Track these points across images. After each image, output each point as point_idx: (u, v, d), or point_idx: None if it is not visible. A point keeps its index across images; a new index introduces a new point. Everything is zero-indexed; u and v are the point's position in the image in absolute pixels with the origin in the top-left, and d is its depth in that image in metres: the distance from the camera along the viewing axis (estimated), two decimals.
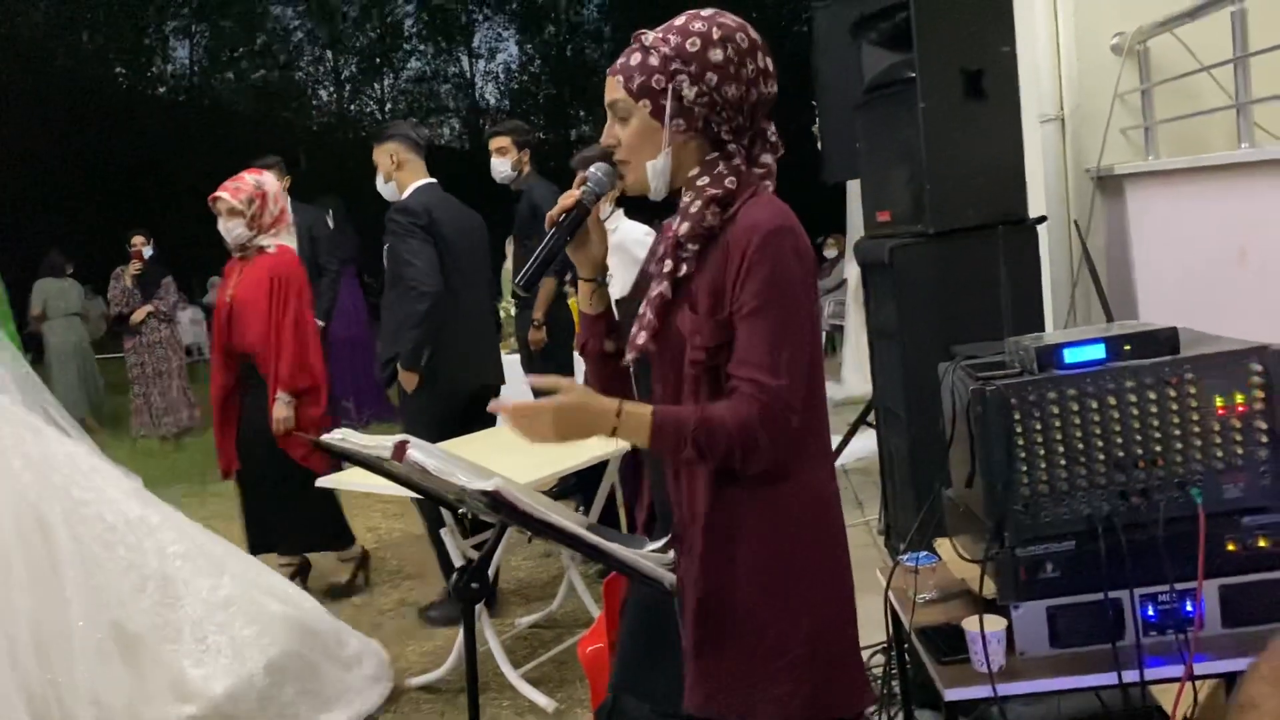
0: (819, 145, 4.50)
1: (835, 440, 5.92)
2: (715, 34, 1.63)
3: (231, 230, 4.15)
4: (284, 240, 4.26)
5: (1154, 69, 3.73)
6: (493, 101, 31.74)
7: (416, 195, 4.18)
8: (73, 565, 2.92)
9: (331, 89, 31.81)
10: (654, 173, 1.66)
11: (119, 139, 24.79)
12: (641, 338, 1.64)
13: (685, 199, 1.65)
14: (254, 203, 4.14)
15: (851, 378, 7.95)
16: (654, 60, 1.63)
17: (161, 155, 25.00)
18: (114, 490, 3.26)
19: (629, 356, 1.67)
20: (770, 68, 1.69)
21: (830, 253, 11.83)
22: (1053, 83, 4.02)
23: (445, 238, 4.12)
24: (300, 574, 4.59)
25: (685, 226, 1.62)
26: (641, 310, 1.67)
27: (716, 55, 1.62)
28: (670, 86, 1.62)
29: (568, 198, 1.68)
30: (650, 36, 1.65)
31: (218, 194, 4.15)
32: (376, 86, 32.20)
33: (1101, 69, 3.87)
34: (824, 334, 10.95)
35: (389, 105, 31.69)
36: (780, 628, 1.60)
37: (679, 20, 1.66)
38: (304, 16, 30.49)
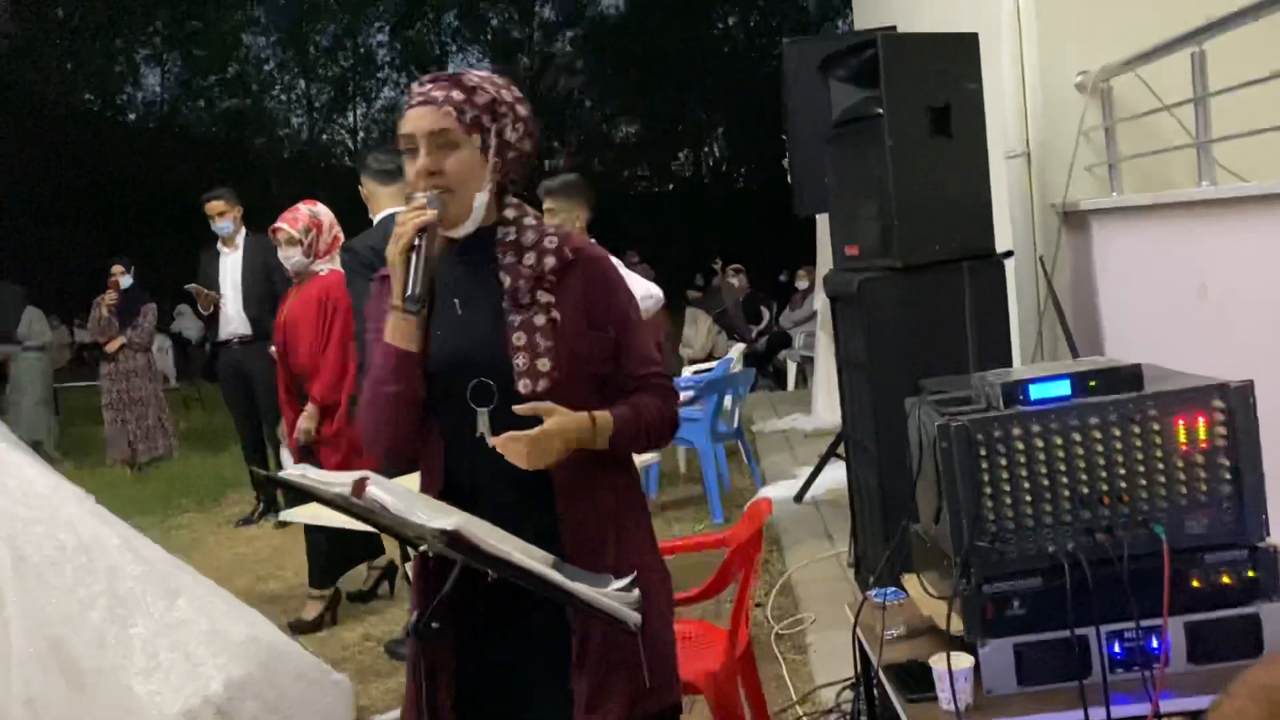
0: (789, 179, 4.53)
1: (805, 471, 5.94)
2: (518, 93, 1.82)
3: (290, 258, 4.34)
4: (335, 265, 4.39)
5: (1117, 107, 3.79)
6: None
7: (371, 231, 4.16)
8: (12, 584, 2.89)
9: (303, 117, 31.76)
10: (478, 205, 1.76)
11: (89, 166, 24.60)
12: (546, 364, 1.71)
13: (529, 236, 1.78)
14: (311, 232, 4.32)
15: (822, 409, 7.97)
16: (481, 99, 1.74)
17: (132, 182, 24.82)
18: (72, 508, 3.22)
19: (538, 386, 1.70)
20: None
21: (801, 284, 11.89)
22: (1018, 119, 4.07)
23: None
24: (331, 607, 4.65)
25: (551, 260, 1.76)
26: (522, 341, 1.71)
27: (523, 111, 1.80)
28: (495, 127, 1.75)
29: (421, 213, 1.70)
30: (474, 77, 1.76)
31: (277, 225, 4.34)
32: (349, 115, 32.21)
33: (1066, 106, 3.93)
34: (795, 365, 11.01)
35: (361, 134, 31.68)
36: (655, 618, 1.76)
37: (480, 72, 1.81)
38: (276, 45, 30.48)
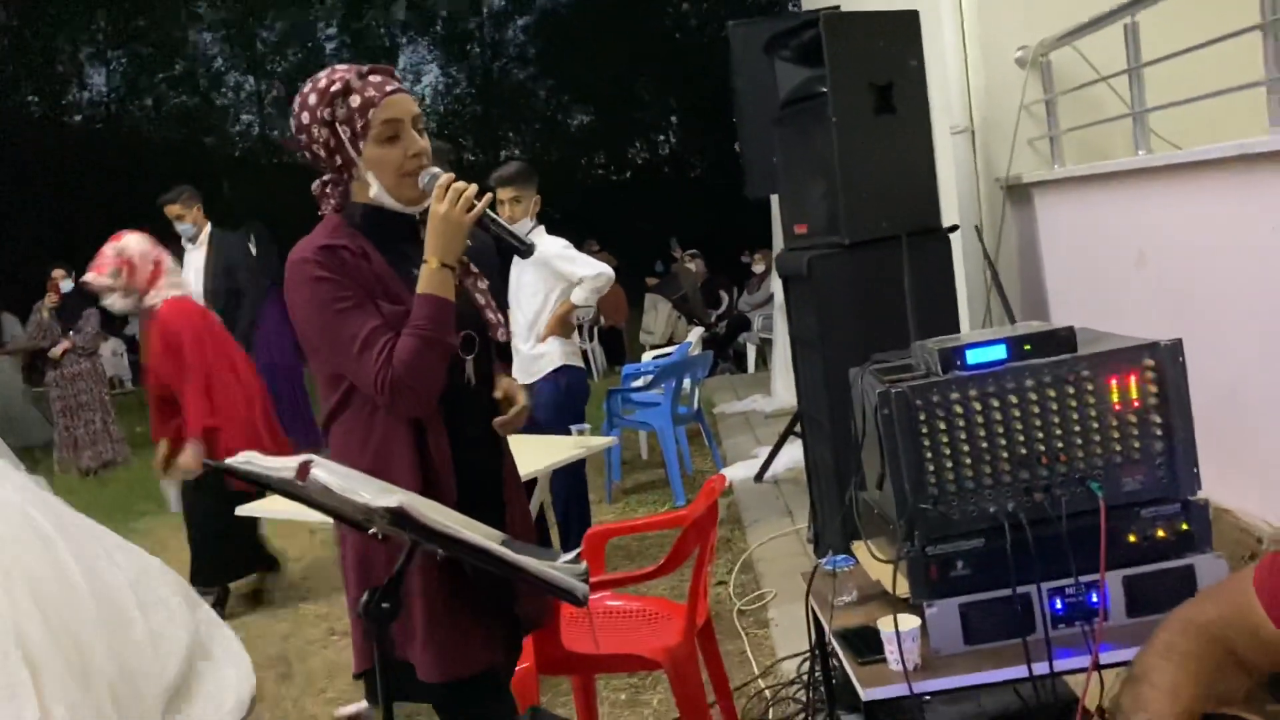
0: (742, 161, 4.56)
1: (766, 451, 5.99)
2: None
3: (115, 305, 4.19)
4: (171, 291, 4.25)
5: (1057, 80, 3.85)
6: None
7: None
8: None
9: (254, 115, 31.33)
10: None
11: (34, 169, 24.13)
12: (500, 315, 1.98)
13: None
14: (121, 271, 4.13)
15: (781, 390, 8.03)
16: None
17: (79, 184, 24.38)
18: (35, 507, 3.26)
19: (503, 334, 1.98)
20: None
21: (758, 268, 11.95)
22: (961, 95, 4.12)
23: None
24: (219, 603, 4.59)
25: None
26: (483, 299, 1.94)
27: None
28: None
29: (463, 184, 1.84)
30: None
31: (84, 279, 4.17)
32: None
33: (1007, 81, 3.98)
34: (754, 348, 11.07)
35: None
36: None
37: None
38: (223, 42, 30.02)
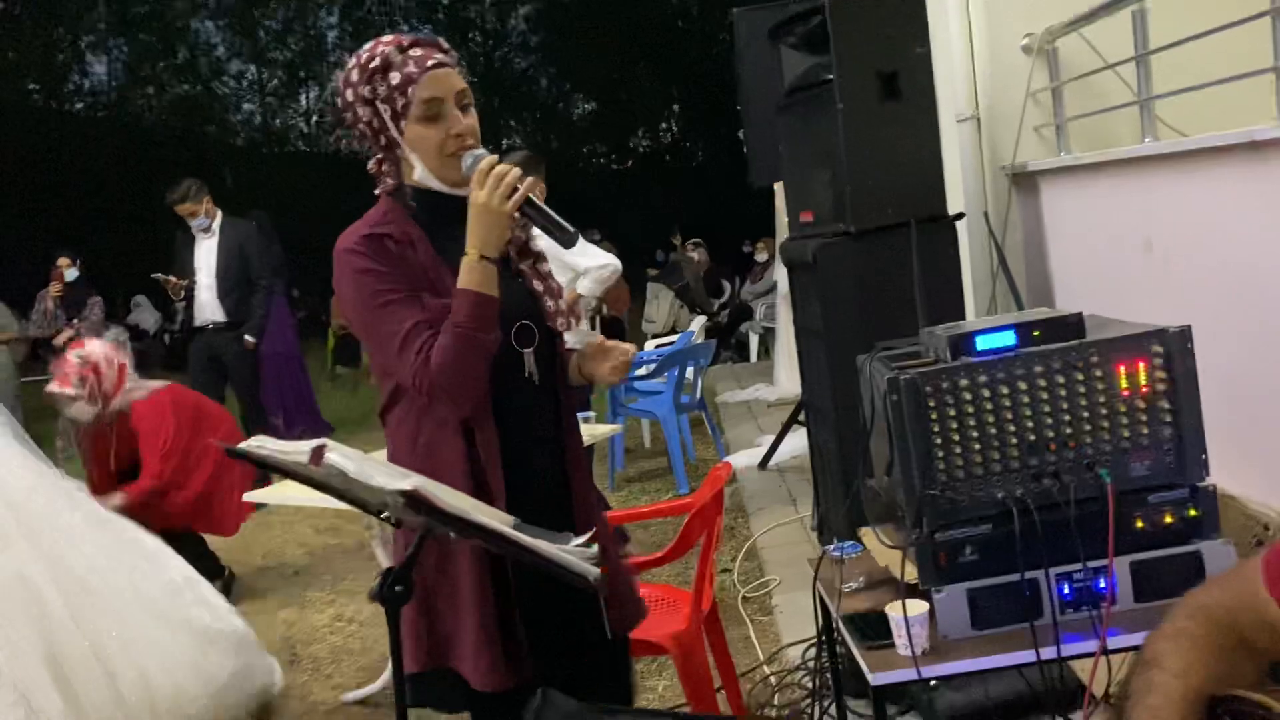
0: (745, 150, 4.55)
1: (769, 440, 6.00)
2: None
3: (81, 414, 4.10)
4: (136, 395, 4.21)
5: (1063, 68, 3.84)
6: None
7: None
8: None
9: (255, 103, 31.28)
10: None
11: (36, 158, 24.11)
12: (564, 302, 1.87)
13: None
14: (86, 380, 4.06)
15: (784, 379, 8.04)
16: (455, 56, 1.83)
17: (82, 173, 24.38)
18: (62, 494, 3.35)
19: (568, 321, 1.88)
20: None
21: (761, 256, 11.95)
22: (967, 83, 4.11)
23: None
24: (226, 589, 4.56)
25: None
26: (540, 287, 1.86)
27: None
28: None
29: (507, 167, 1.71)
30: (444, 43, 1.81)
31: (49, 390, 4.09)
32: (301, 100, 31.77)
33: (1013, 69, 3.97)
34: (757, 337, 11.08)
35: (314, 118, 31.28)
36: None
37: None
38: (225, 30, 29.96)
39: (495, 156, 1.73)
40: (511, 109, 30.20)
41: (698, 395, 6.58)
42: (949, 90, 4.02)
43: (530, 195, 1.73)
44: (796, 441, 5.65)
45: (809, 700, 2.86)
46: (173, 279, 6.25)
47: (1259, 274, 2.55)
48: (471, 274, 1.70)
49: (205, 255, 6.30)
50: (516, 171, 1.70)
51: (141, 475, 4.21)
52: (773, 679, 3.25)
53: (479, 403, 1.74)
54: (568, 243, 1.76)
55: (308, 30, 30.69)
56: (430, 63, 1.73)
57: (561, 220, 1.75)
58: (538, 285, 1.86)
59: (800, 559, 4.11)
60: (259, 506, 5.68)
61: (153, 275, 6.49)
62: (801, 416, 4.99)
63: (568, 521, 1.82)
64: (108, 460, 4.26)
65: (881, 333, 2.62)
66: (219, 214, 6.32)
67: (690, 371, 6.39)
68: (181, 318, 7.84)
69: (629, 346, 1.89)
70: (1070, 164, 3.61)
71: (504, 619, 1.76)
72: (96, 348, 4.15)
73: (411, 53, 1.73)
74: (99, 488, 4.21)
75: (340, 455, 1.37)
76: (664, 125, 32.48)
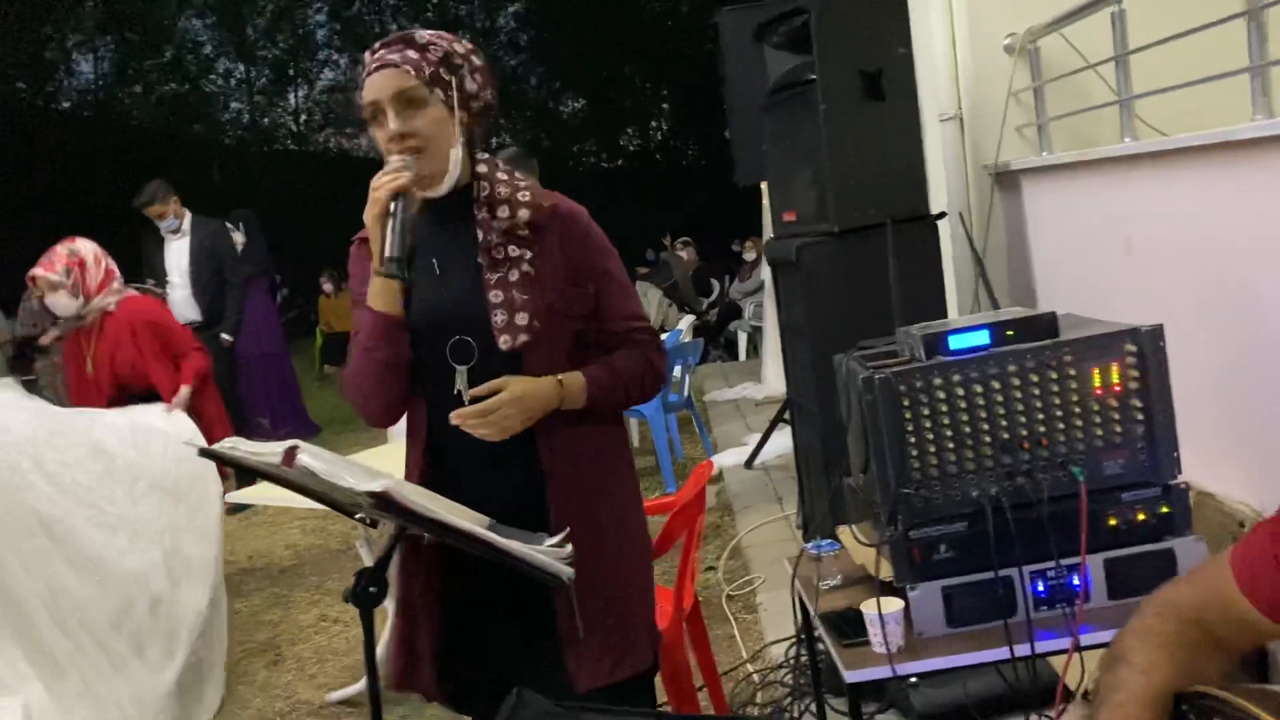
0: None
1: (756, 438, 6.01)
2: (470, 45, 1.79)
3: (58, 304, 4.11)
4: (123, 295, 4.23)
5: (1045, 67, 3.86)
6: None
7: None
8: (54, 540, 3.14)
9: (243, 102, 31.16)
10: (454, 161, 1.73)
11: (23, 157, 23.98)
12: (524, 318, 1.71)
13: (501, 190, 1.76)
14: (71, 271, 4.07)
15: (772, 377, 8.05)
16: (435, 54, 1.71)
17: (69, 172, 24.24)
18: (81, 445, 3.44)
19: (518, 340, 1.70)
20: None
21: (749, 255, 11.96)
22: (950, 83, 4.13)
23: None
24: None
25: (524, 212, 1.75)
26: (499, 298, 1.71)
27: (479, 61, 1.77)
28: (454, 79, 1.72)
29: (395, 178, 1.65)
30: (425, 34, 1.73)
31: (33, 273, 4.09)
32: (290, 98, 31.67)
33: (995, 68, 3.99)
34: (745, 335, 11.09)
35: (304, 116, 31.18)
36: (640, 573, 1.87)
37: (425, 32, 1.76)
38: (213, 28, 29.84)
39: (400, 164, 1.66)
40: (501, 107, 30.04)
41: (686, 394, 6.59)
42: (931, 90, 4.03)
43: (393, 210, 1.63)
44: (783, 440, 5.66)
45: (790, 698, 2.87)
46: (153, 288, 6.24)
47: (1237, 273, 2.56)
48: (371, 289, 1.72)
49: (176, 256, 6.29)
50: (389, 184, 1.64)
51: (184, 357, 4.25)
52: (755, 677, 3.26)
53: (392, 415, 1.78)
54: (386, 270, 1.64)
55: (296, 28, 30.58)
56: (373, 66, 1.71)
57: (391, 245, 1.62)
58: (495, 296, 1.72)
59: (785, 557, 4.07)
60: (244, 508, 5.70)
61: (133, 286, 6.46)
62: (787, 415, 5.00)
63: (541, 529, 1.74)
64: (84, 364, 4.23)
65: (864, 331, 2.63)
66: (188, 214, 6.31)
67: (678, 370, 6.40)
68: None
69: (476, 406, 1.68)
70: (1052, 163, 3.62)
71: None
72: (86, 245, 4.17)
73: (368, 57, 1.74)
74: (77, 395, 4.24)
75: (311, 456, 1.38)
76: (654, 124, 32.46)
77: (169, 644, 3.34)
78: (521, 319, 1.71)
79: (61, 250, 4.11)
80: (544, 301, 1.73)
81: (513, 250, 1.73)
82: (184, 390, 4.15)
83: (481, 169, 1.79)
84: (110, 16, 28.38)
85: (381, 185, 1.65)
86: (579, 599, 1.72)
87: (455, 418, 1.66)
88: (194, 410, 4.14)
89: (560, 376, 1.73)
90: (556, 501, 1.75)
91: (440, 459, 1.79)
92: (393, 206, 1.63)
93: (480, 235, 1.74)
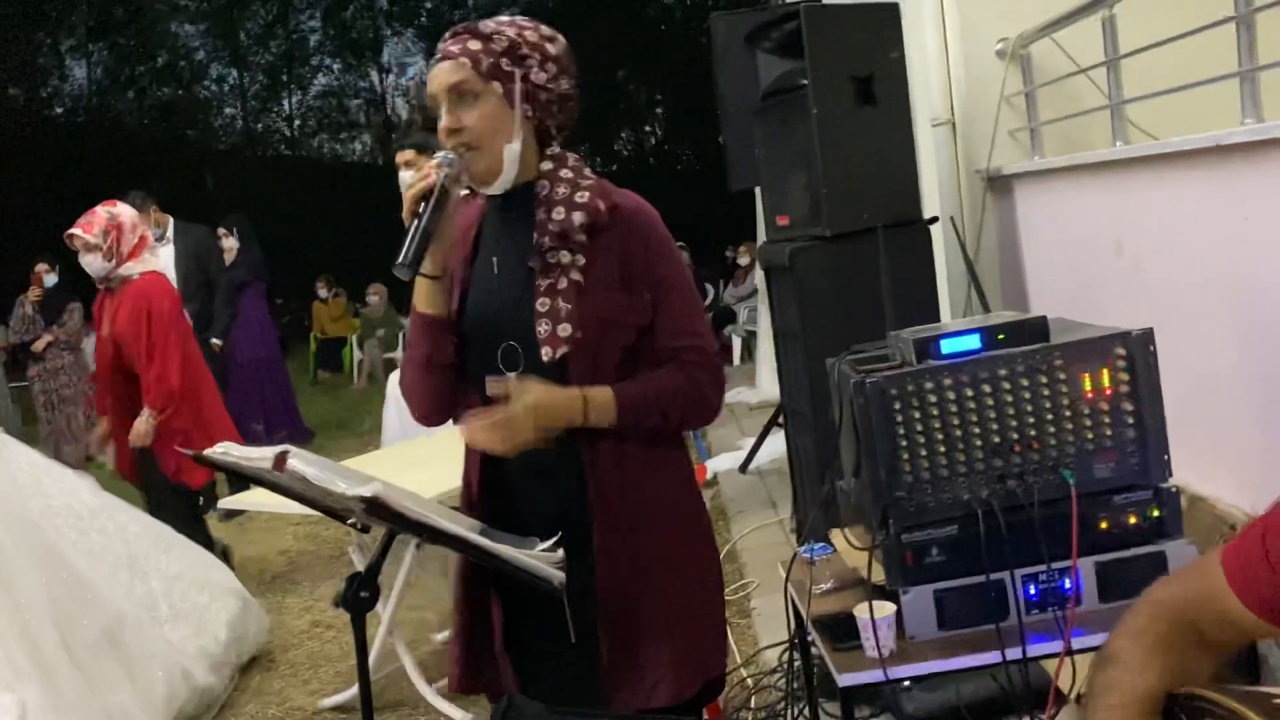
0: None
1: (750, 443, 6.01)
2: (545, 32, 1.69)
3: (91, 265, 4.16)
4: (149, 266, 4.26)
5: (1036, 72, 3.87)
6: (405, 115, 31.39)
7: None
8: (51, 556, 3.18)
9: (236, 107, 31.14)
10: (510, 159, 1.65)
11: (16, 163, 23.94)
12: (567, 330, 1.62)
13: (560, 190, 1.67)
14: (109, 234, 4.12)
15: (766, 382, 8.06)
16: (498, 46, 1.63)
17: (62, 178, 24.20)
18: (72, 482, 3.66)
19: (559, 352, 1.62)
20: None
21: (743, 260, 11.98)
22: (942, 87, 4.14)
23: None
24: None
25: (579, 216, 1.65)
26: (545, 306, 1.63)
27: (553, 50, 1.68)
28: (518, 71, 1.64)
29: (425, 178, 1.59)
30: (491, 24, 1.66)
31: (71, 232, 4.13)
32: (284, 103, 31.65)
33: (987, 73, 4.00)
34: (739, 340, 11.10)
35: (297, 122, 31.17)
36: (687, 597, 1.76)
37: (501, 19, 1.68)
38: (206, 34, 29.83)
39: (439, 161, 1.60)
40: None
41: None
42: (924, 95, 4.05)
43: (421, 209, 1.57)
44: (777, 444, 5.66)
45: (784, 703, 2.87)
46: None
47: (1228, 276, 2.57)
48: (416, 291, 1.69)
49: (161, 263, 6.27)
50: (421, 183, 1.58)
51: (150, 385, 4.18)
52: (749, 681, 3.26)
53: (438, 415, 1.75)
54: (396, 271, 1.57)
55: (289, 34, 30.58)
56: (437, 57, 1.65)
57: (405, 250, 1.55)
58: (542, 305, 1.63)
59: (779, 561, 4.07)
60: (237, 513, 5.69)
61: None
62: (781, 419, 5.00)
63: (586, 560, 1.67)
64: (101, 326, 4.28)
65: (857, 335, 2.63)
66: (170, 221, 6.29)
67: None
68: None
69: (508, 418, 1.60)
70: (1044, 168, 3.63)
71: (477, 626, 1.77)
72: (126, 210, 4.24)
73: (440, 46, 1.67)
74: (98, 356, 4.36)
75: (302, 461, 1.38)
76: (648, 128, 32.51)
77: (167, 675, 3.37)
78: (564, 330, 1.62)
79: (102, 213, 4.17)
80: (592, 311, 1.64)
81: (564, 256, 1.64)
82: (144, 416, 4.13)
83: (546, 165, 1.70)
84: (103, 22, 28.36)
85: (413, 185, 1.60)
86: (616, 620, 1.68)
87: (463, 433, 1.64)
88: (170, 427, 4.14)
89: (586, 390, 1.63)
90: (601, 514, 1.68)
91: (495, 465, 1.72)
92: (420, 207, 1.57)
93: (535, 237, 1.66)
